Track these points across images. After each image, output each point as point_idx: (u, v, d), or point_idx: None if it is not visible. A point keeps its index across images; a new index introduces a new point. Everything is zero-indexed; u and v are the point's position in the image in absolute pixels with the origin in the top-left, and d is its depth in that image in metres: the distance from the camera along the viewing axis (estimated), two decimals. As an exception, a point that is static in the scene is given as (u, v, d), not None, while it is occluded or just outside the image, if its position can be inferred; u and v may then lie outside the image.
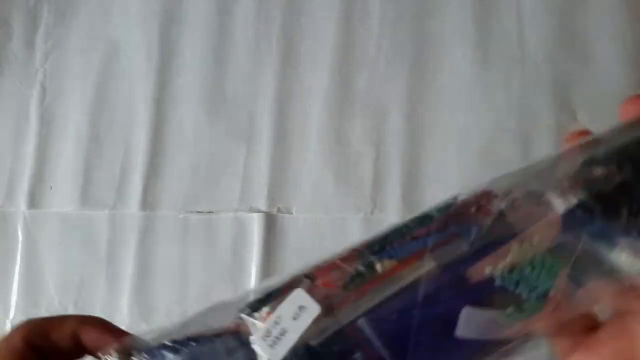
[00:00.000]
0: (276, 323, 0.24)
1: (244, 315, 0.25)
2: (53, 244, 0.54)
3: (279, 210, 0.52)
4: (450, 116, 0.51)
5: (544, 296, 0.25)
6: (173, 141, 0.54)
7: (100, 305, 0.52)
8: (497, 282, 0.25)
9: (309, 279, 0.26)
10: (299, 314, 0.24)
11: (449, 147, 0.51)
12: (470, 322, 0.25)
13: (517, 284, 0.25)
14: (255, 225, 0.51)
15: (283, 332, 0.24)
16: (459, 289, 0.25)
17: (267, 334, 0.24)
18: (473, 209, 0.26)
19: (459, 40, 0.52)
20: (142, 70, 0.56)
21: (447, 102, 0.51)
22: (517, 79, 0.50)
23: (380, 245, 0.26)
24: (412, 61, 0.53)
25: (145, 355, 0.25)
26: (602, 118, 0.49)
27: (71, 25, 0.58)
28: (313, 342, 0.24)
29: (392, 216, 0.50)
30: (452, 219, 0.26)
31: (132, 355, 0.25)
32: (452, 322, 0.24)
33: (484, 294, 0.25)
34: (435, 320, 0.25)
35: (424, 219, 0.27)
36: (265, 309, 0.25)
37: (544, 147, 0.49)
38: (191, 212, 0.53)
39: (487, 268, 0.25)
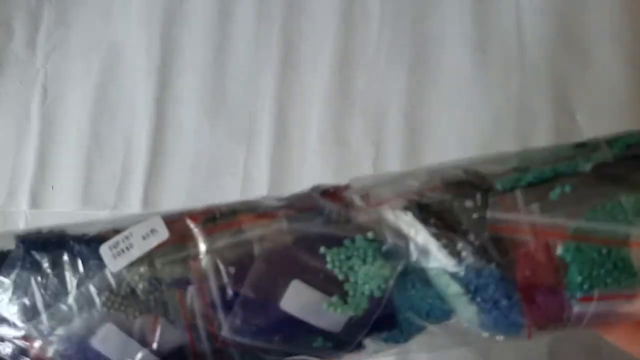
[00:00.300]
0: (127, 238, 0.26)
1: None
2: (54, 244, 0.54)
3: (279, 210, 0.52)
4: (450, 116, 0.51)
5: (371, 296, 0.25)
6: (173, 141, 0.54)
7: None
8: (329, 265, 0.26)
9: (184, 214, 0.28)
10: (150, 235, 0.26)
11: (448, 147, 0.51)
12: (295, 297, 0.25)
13: (346, 274, 0.25)
14: (255, 225, 0.52)
15: (129, 247, 0.26)
16: (296, 259, 0.26)
17: (115, 245, 0.26)
18: (331, 194, 0.29)
19: (459, 41, 0.52)
20: (143, 71, 0.56)
21: (447, 102, 0.52)
22: (516, 79, 0.50)
23: (253, 204, 0.28)
24: (412, 61, 0.53)
25: (18, 240, 0.28)
26: (601, 118, 0.49)
27: (72, 25, 0.58)
28: (157, 263, 0.26)
29: (391, 216, 0.50)
30: (311, 197, 0.29)
31: None
32: (281, 290, 0.25)
33: (316, 273, 0.26)
34: (267, 280, 0.26)
35: (295, 195, 0.29)
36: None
37: (543, 148, 0.49)
38: (192, 212, 0.53)
39: (322, 248, 0.26)
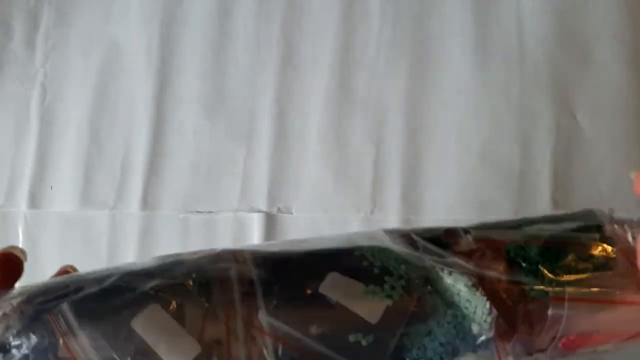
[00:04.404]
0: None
1: None
2: (53, 244, 0.54)
3: (279, 210, 0.52)
4: (450, 116, 0.51)
5: (407, 287, 0.27)
6: (173, 141, 0.54)
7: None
8: (365, 263, 0.27)
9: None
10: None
11: (449, 147, 0.51)
12: (334, 283, 0.26)
13: (381, 268, 0.27)
14: (255, 225, 0.52)
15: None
16: (333, 257, 0.28)
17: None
18: None
19: (459, 40, 0.52)
20: (142, 70, 0.56)
21: (447, 102, 0.52)
22: (516, 79, 0.50)
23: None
24: (412, 61, 0.53)
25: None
26: (602, 118, 0.49)
27: (71, 25, 0.58)
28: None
29: (392, 216, 0.50)
30: None
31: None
32: (320, 279, 0.26)
33: (354, 264, 0.27)
34: (307, 269, 0.27)
35: None
36: None
37: (543, 147, 0.49)
38: (191, 212, 0.53)
39: (356, 251, 0.28)
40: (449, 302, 0.27)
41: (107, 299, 0.25)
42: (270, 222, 0.52)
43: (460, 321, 0.27)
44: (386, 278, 0.26)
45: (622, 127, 0.49)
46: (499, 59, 0.51)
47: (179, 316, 0.25)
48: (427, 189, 0.50)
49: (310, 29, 0.54)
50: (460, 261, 0.27)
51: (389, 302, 0.26)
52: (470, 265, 0.27)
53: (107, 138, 0.55)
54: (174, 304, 0.25)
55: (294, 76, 0.54)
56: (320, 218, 0.51)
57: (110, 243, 0.53)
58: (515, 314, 0.27)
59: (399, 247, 0.28)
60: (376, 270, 0.26)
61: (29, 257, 0.54)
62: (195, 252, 0.28)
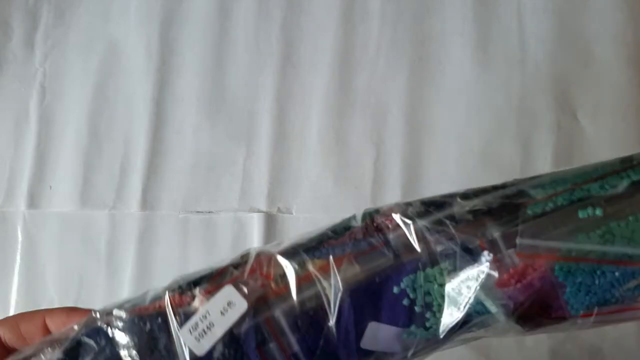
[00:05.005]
0: (204, 317, 0.25)
1: (168, 296, 0.26)
2: (53, 244, 0.54)
3: (279, 210, 0.52)
4: (450, 116, 0.51)
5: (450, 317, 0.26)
6: (173, 141, 0.54)
7: (101, 305, 0.52)
8: (406, 302, 0.26)
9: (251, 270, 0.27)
10: (227, 309, 0.25)
11: (449, 147, 0.50)
12: (375, 336, 0.25)
13: (423, 306, 0.26)
14: (255, 225, 0.51)
15: (210, 326, 0.25)
16: (372, 298, 0.26)
17: (195, 327, 0.25)
18: (387, 224, 0.28)
19: (459, 40, 0.52)
20: (142, 70, 0.56)
21: (447, 102, 0.51)
22: (517, 79, 0.50)
23: (314, 245, 0.27)
24: (413, 60, 0.53)
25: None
26: (602, 117, 0.49)
27: (71, 25, 0.58)
28: (236, 331, 0.25)
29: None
30: (370, 230, 0.28)
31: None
32: (361, 331, 0.25)
33: (394, 307, 0.26)
34: (346, 325, 0.26)
35: (347, 227, 0.28)
36: (197, 290, 0.26)
37: (544, 147, 0.49)
38: (191, 212, 0.53)
39: (395, 288, 0.26)
40: (483, 315, 0.26)
41: None
42: (270, 222, 0.51)
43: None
44: (428, 315, 0.26)
45: (623, 127, 0.49)
46: (499, 58, 0.51)
47: None
48: (427, 189, 0.50)
49: (310, 29, 0.54)
50: (498, 293, 0.25)
51: (428, 336, 0.26)
52: (507, 299, 0.25)
53: (107, 138, 0.55)
54: None
55: (294, 76, 0.54)
56: (320, 218, 0.51)
57: (109, 243, 0.53)
58: (546, 325, 0.26)
59: (439, 277, 0.26)
60: (417, 309, 0.26)
61: (27, 257, 0.54)
62: (225, 315, 0.26)
